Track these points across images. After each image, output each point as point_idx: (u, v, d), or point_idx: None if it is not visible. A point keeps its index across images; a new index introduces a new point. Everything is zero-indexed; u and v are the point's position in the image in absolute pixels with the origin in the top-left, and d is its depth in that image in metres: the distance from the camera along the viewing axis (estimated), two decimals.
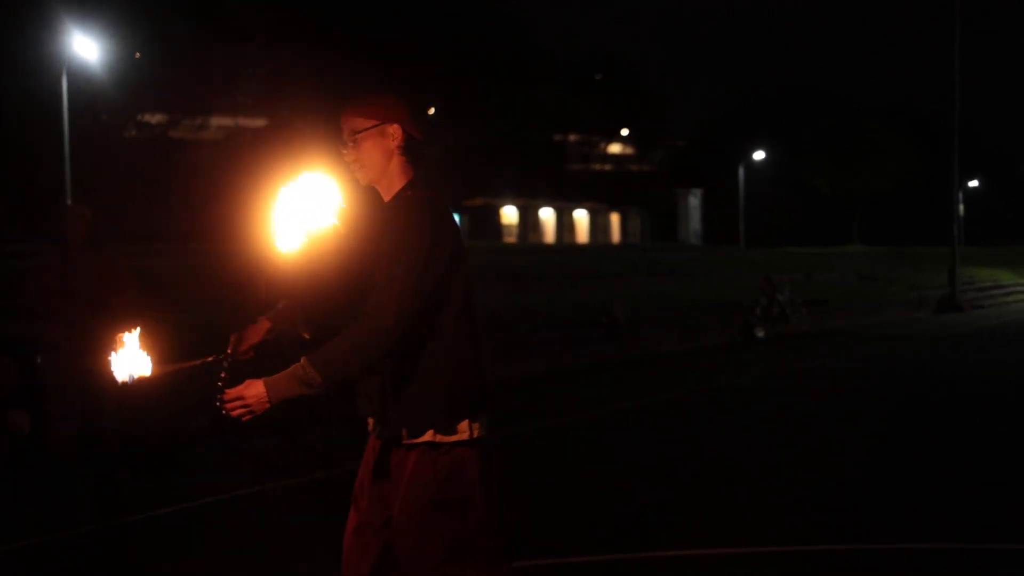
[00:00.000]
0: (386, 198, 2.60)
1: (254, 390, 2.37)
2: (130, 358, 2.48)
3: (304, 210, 2.53)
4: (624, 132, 55.93)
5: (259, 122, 35.67)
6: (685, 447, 7.11)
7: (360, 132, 2.56)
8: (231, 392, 2.38)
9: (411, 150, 2.59)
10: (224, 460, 6.67)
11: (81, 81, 18.70)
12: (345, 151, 2.60)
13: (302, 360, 2.36)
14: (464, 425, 2.48)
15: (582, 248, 40.50)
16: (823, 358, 12.79)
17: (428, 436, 2.46)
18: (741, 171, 44.35)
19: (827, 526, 4.96)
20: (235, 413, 2.38)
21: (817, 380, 10.95)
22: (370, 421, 2.62)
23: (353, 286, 2.56)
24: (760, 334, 15.27)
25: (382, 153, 2.56)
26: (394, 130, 2.57)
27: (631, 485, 5.91)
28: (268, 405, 2.38)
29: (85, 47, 16.52)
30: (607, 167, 58.51)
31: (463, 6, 39.41)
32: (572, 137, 54.69)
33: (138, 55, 23.37)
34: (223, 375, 2.46)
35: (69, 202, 14.17)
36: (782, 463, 6.49)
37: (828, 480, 6.01)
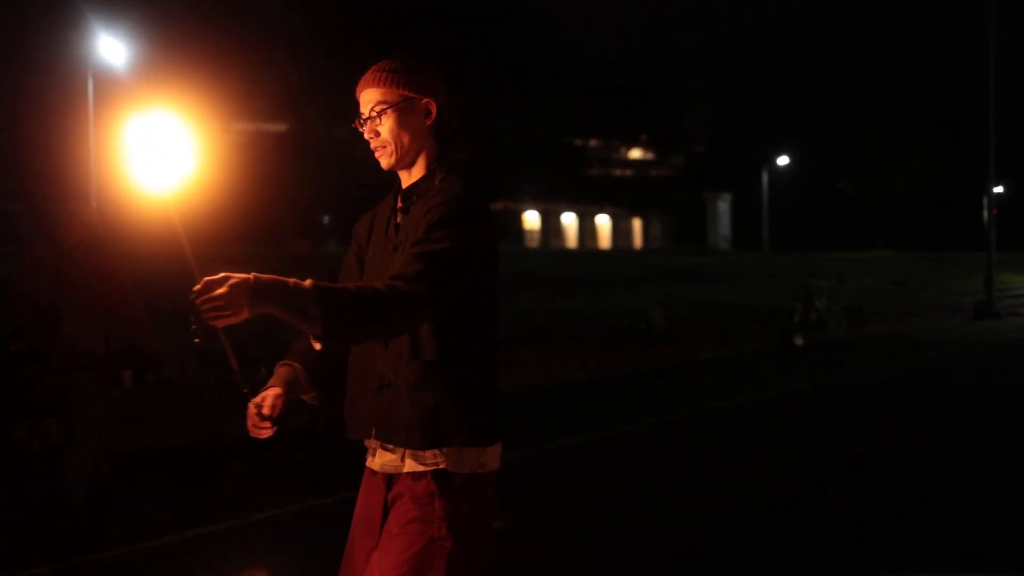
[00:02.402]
0: (407, 182, 2.21)
1: (236, 278, 1.81)
2: None
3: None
4: (644, 137, 55.69)
5: (280, 127, 35.63)
6: (737, 462, 6.77)
7: (388, 106, 2.14)
8: (209, 279, 1.81)
9: (443, 131, 2.20)
10: (268, 473, 6.38)
11: (106, 83, 18.56)
12: (363, 127, 2.18)
13: (308, 280, 1.85)
14: (478, 453, 2.11)
15: (609, 253, 40.20)
16: (866, 367, 12.40)
17: (435, 463, 2.08)
18: (765, 176, 43.96)
19: (873, 553, 4.62)
20: (207, 306, 1.79)
21: (865, 390, 10.57)
22: (368, 450, 2.22)
23: None
24: (799, 341, 14.87)
25: (412, 132, 2.16)
26: (428, 105, 2.17)
27: (679, 505, 5.58)
28: (247, 302, 1.80)
29: (111, 49, 16.35)
30: (627, 172, 58.30)
31: (486, 9, 39.21)
32: (592, 142, 54.51)
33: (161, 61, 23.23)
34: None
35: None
36: (845, 485, 6.14)
37: (884, 503, 5.66)
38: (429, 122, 2.17)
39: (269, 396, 2.15)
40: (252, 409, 2.13)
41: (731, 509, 5.43)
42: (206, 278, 1.82)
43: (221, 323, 1.83)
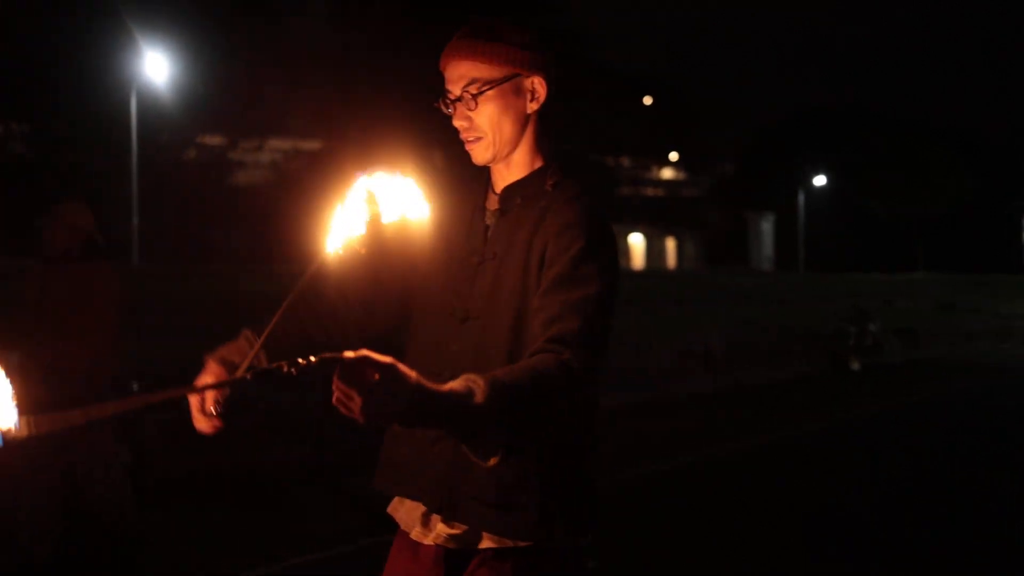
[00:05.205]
0: (503, 182, 1.72)
1: (397, 373, 1.27)
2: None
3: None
4: (675, 157, 55.33)
5: (315, 144, 35.66)
6: (803, 496, 6.39)
7: (488, 85, 1.64)
8: (351, 355, 1.26)
9: (550, 118, 1.71)
10: (328, 502, 6.05)
11: (149, 101, 18.53)
12: (452, 110, 1.67)
13: (470, 375, 1.38)
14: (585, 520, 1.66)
15: (648, 272, 39.76)
16: (928, 393, 11.95)
17: (546, 537, 1.61)
18: (801, 196, 43.44)
19: None
20: (344, 397, 1.27)
21: (932, 417, 10.13)
22: (398, 510, 1.75)
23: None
24: (855, 366, 14.40)
25: (514, 118, 1.66)
26: (536, 85, 1.67)
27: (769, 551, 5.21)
28: (402, 405, 1.27)
29: (156, 66, 16.29)
30: (659, 191, 57.90)
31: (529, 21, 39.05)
32: (623, 160, 54.18)
33: (204, 82, 23.19)
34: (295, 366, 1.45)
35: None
36: (937, 528, 5.74)
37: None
38: (535, 106, 1.68)
39: (209, 393, 1.68)
40: (195, 402, 1.69)
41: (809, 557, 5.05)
42: (354, 354, 1.27)
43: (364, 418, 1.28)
